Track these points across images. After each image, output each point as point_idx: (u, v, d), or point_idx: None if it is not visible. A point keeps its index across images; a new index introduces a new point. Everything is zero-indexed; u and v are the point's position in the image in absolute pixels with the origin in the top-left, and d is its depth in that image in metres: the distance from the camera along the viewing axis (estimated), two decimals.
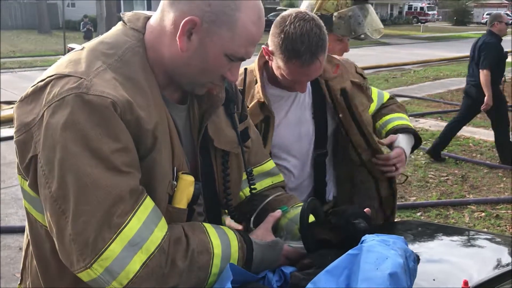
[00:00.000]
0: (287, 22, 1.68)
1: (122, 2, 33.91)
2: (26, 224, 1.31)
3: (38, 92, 1.11)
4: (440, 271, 1.39)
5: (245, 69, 1.73)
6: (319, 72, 1.78)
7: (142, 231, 1.06)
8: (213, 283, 1.17)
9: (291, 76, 1.76)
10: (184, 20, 1.11)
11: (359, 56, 18.77)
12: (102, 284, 1.03)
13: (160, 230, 1.09)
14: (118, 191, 1.04)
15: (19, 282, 1.42)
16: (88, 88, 1.05)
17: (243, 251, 1.24)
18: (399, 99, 11.03)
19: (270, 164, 1.66)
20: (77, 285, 1.17)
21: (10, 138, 6.12)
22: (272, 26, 1.74)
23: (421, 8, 56.43)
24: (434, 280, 1.30)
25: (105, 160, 1.04)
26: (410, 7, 57.11)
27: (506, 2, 56.35)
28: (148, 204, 1.10)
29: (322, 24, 1.72)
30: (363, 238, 1.16)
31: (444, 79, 13.82)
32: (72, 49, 6.57)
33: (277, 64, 1.78)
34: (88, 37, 21.52)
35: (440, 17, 62.24)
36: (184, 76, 1.21)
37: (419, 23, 47.79)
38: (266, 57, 1.84)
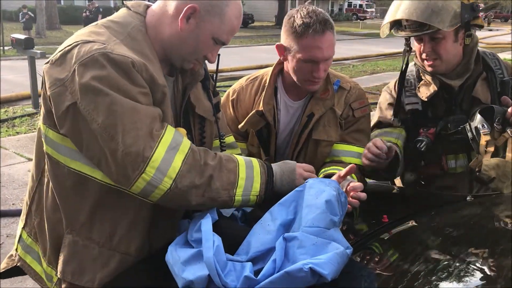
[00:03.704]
0: (294, 12, 1.96)
1: None
2: (32, 171, 1.59)
3: (65, 54, 1.39)
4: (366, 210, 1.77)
5: (257, 76, 2.10)
6: (331, 50, 1.92)
7: (175, 139, 1.39)
8: (243, 186, 1.46)
9: (306, 53, 1.90)
10: (187, 6, 1.44)
11: None
12: (155, 183, 1.33)
13: (187, 141, 1.43)
14: (152, 113, 1.37)
15: (22, 226, 1.67)
16: (112, 50, 1.36)
17: (263, 166, 1.54)
18: None
19: (231, 138, 1.99)
20: (93, 215, 1.49)
21: None
22: (283, 25, 1.98)
23: (360, 6, 58.39)
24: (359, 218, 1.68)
25: (134, 98, 1.35)
26: (349, 5, 58.94)
27: None
28: (171, 127, 1.42)
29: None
30: (306, 180, 1.50)
31: (381, 73, 14.63)
32: (17, 39, 6.52)
33: (291, 54, 1.95)
34: (28, 28, 20.76)
35: (378, 14, 64.56)
36: (177, 52, 1.53)
37: (358, 20, 49.43)
38: (281, 57, 2.02)
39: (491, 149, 1.93)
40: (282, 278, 1.16)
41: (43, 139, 1.50)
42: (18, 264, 1.68)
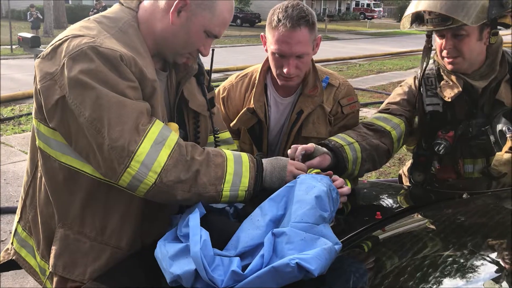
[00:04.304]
0: (278, 6, 1.96)
1: None
2: (27, 165, 1.60)
3: (56, 49, 1.40)
4: (359, 208, 1.76)
5: (246, 74, 2.11)
6: (301, 46, 1.90)
7: (162, 134, 1.38)
8: (230, 181, 1.45)
9: (275, 46, 1.92)
10: (177, 0, 1.44)
11: None
12: (140, 178, 1.33)
13: (174, 135, 1.42)
14: (139, 108, 1.36)
15: (17, 220, 1.68)
16: (101, 44, 1.36)
17: (253, 161, 1.52)
18: None
19: (227, 134, 1.99)
20: (84, 209, 1.49)
21: None
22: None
23: (368, 5, 58.26)
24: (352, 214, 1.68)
25: (122, 92, 1.35)
26: (357, 4, 58.84)
27: None
28: (160, 122, 1.42)
29: (313, 11, 1.95)
30: (298, 176, 1.49)
31: (387, 72, 14.55)
32: (24, 37, 6.57)
33: (268, 45, 1.97)
34: (36, 27, 20.87)
35: (386, 13, 64.36)
36: (170, 46, 1.53)
37: (366, 19, 49.29)
38: (264, 47, 2.03)
39: None
40: (269, 273, 1.16)
41: (35, 134, 1.51)
42: (14, 258, 1.69)
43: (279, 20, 1.90)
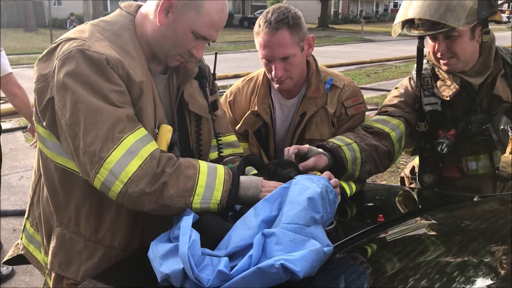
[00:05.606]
0: (265, 11, 1.97)
1: (108, 1, 33.98)
2: (35, 165, 1.66)
3: (51, 51, 1.46)
4: (363, 210, 1.73)
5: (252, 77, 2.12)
6: (283, 49, 1.90)
7: (138, 144, 1.38)
8: (201, 194, 1.43)
9: (260, 51, 1.95)
10: (163, 0, 1.46)
11: (343, 53, 19.16)
12: (108, 185, 1.35)
13: (152, 146, 1.41)
14: (117, 115, 1.37)
15: (26, 217, 1.75)
16: (89, 47, 1.40)
17: (229, 174, 1.49)
18: (378, 93, 11.08)
19: (232, 137, 1.99)
20: (79, 209, 1.53)
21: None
22: None
23: None
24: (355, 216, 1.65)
25: (104, 96, 1.37)
26: (395, 5, 57.81)
27: None
28: (143, 130, 1.42)
29: (297, 12, 1.94)
30: (295, 177, 1.48)
31: None
32: None
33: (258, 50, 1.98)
34: None
35: None
36: (160, 47, 1.55)
37: None
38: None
39: None
40: (254, 274, 1.16)
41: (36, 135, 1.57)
42: (22, 252, 1.76)
43: (259, 26, 1.92)
